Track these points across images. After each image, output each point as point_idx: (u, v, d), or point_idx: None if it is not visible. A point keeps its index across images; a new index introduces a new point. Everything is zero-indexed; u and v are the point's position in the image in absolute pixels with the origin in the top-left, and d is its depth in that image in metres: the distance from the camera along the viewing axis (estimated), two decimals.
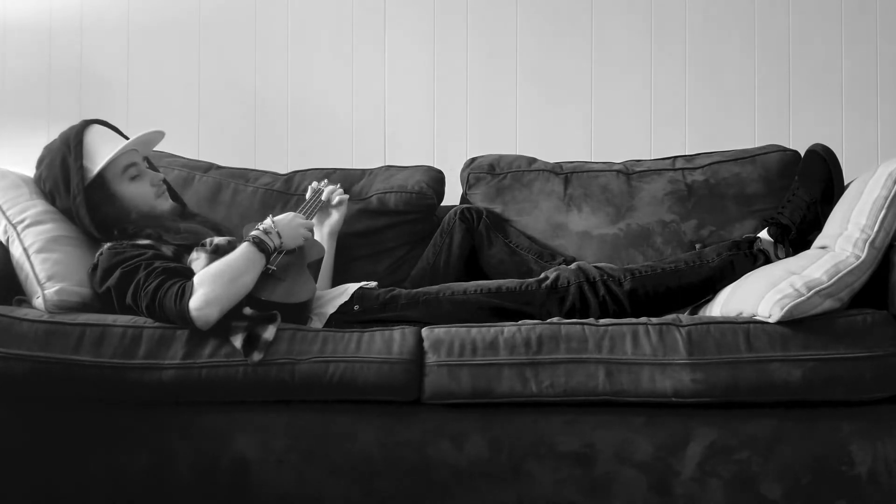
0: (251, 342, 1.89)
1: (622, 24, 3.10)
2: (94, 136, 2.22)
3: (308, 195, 2.44)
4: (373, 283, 2.24)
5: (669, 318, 1.96)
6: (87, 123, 2.24)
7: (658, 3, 3.10)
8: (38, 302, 2.04)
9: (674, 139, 3.08)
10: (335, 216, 2.44)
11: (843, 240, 1.96)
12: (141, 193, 2.22)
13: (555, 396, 1.87)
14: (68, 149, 2.17)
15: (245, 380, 1.88)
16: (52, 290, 2.03)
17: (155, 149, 2.44)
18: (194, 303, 1.89)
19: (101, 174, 2.18)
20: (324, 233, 2.44)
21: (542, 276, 2.17)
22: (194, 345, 1.90)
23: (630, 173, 2.53)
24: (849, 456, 1.86)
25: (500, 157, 2.62)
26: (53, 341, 1.91)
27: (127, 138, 2.28)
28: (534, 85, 3.11)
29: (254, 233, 2.05)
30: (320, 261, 2.34)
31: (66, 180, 2.16)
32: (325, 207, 2.44)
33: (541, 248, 2.43)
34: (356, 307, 2.13)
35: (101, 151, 2.19)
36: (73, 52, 3.14)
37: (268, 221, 2.10)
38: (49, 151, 2.22)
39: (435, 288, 2.17)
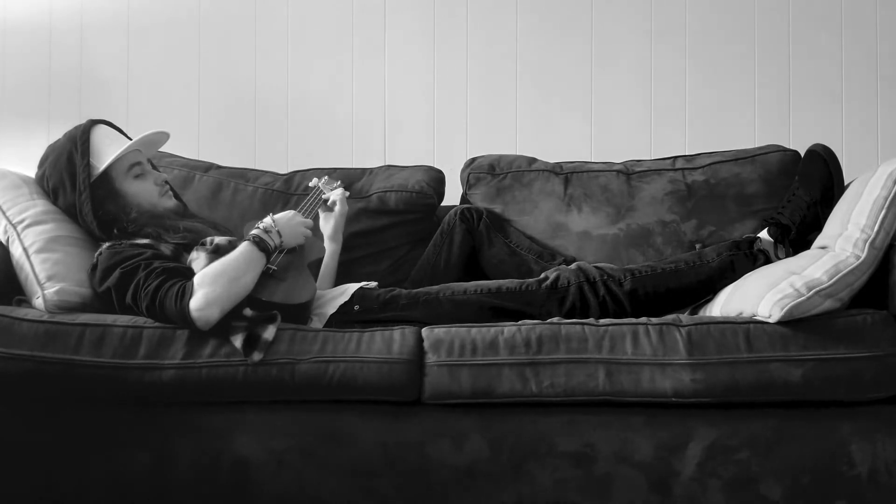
0: (251, 342, 1.89)
1: (622, 24, 3.10)
2: (100, 135, 2.23)
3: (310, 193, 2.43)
4: (373, 283, 2.24)
5: (669, 318, 1.95)
6: (93, 123, 2.25)
7: (658, 3, 3.10)
8: (38, 302, 2.04)
9: (674, 139, 3.08)
10: (336, 214, 2.41)
11: (843, 240, 1.96)
12: (145, 192, 2.23)
13: (555, 396, 1.87)
14: (75, 146, 2.18)
15: (245, 380, 1.88)
16: (52, 290, 2.03)
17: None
18: (195, 303, 1.89)
19: (106, 172, 2.19)
20: (326, 233, 2.42)
21: (542, 276, 2.17)
22: (194, 345, 1.90)
23: (630, 173, 2.53)
24: (849, 456, 1.86)
25: (500, 157, 2.62)
26: (53, 341, 1.90)
27: (131, 139, 2.29)
28: (534, 85, 3.11)
29: (254, 232, 2.04)
30: (320, 260, 2.33)
31: (72, 176, 2.16)
32: (325, 206, 2.42)
33: (541, 248, 2.43)
34: (356, 307, 2.13)
35: (107, 150, 2.20)
36: (73, 52, 3.14)
37: (268, 220, 2.09)
38: (54, 149, 2.23)
39: (435, 288, 2.17)
